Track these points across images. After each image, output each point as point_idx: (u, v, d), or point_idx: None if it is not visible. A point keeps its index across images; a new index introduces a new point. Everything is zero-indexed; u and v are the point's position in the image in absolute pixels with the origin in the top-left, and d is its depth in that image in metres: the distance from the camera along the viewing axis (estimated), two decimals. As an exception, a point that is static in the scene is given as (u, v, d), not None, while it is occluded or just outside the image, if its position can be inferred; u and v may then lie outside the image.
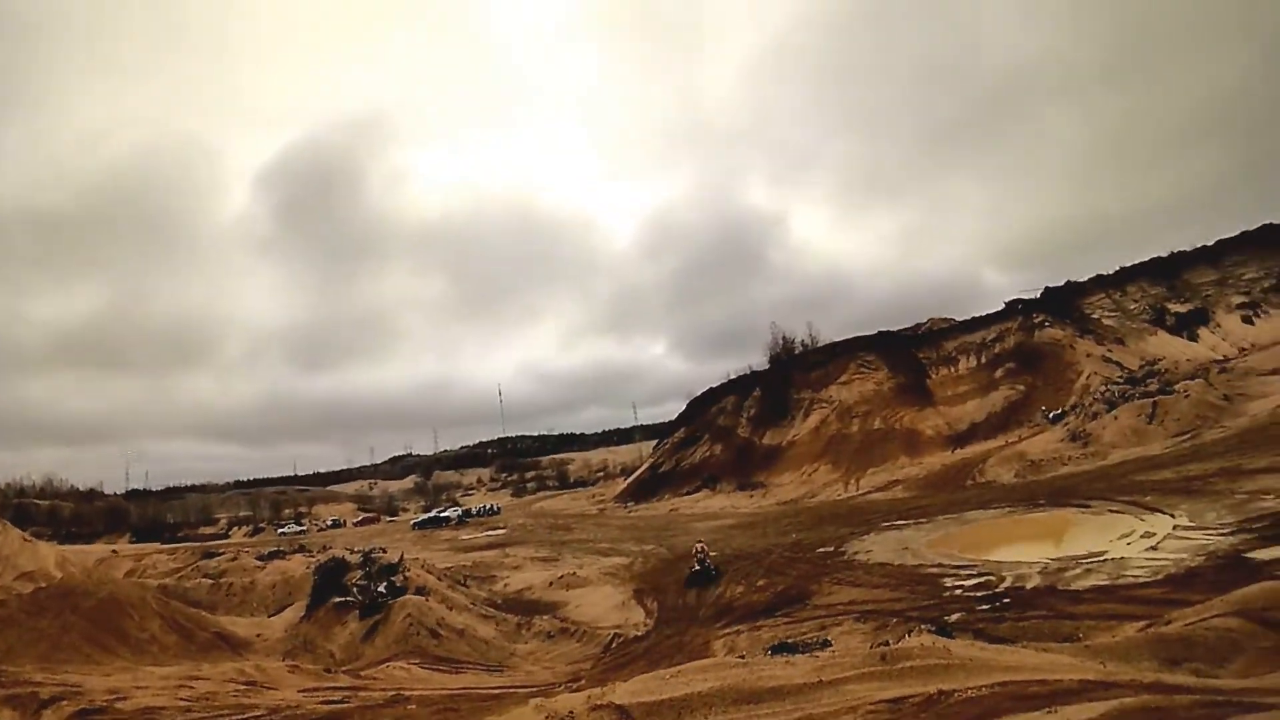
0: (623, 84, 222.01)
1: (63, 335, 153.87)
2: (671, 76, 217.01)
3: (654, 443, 75.91)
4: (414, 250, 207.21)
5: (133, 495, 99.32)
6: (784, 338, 62.04)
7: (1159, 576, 11.74)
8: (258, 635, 19.12)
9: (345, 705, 10.83)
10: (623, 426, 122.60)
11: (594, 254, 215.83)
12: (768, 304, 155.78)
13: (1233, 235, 52.11)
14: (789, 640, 9.31)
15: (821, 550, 20.86)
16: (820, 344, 60.73)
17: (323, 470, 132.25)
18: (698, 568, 20.20)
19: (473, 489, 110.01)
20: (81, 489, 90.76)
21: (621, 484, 69.96)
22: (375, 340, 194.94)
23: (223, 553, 35.08)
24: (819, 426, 52.75)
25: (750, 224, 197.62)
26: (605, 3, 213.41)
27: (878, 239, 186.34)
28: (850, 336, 60.17)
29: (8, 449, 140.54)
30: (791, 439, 53.35)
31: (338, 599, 19.22)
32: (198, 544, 58.21)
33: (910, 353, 56.22)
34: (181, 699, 10.83)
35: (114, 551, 45.27)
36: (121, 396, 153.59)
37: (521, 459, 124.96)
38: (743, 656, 8.82)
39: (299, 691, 11.97)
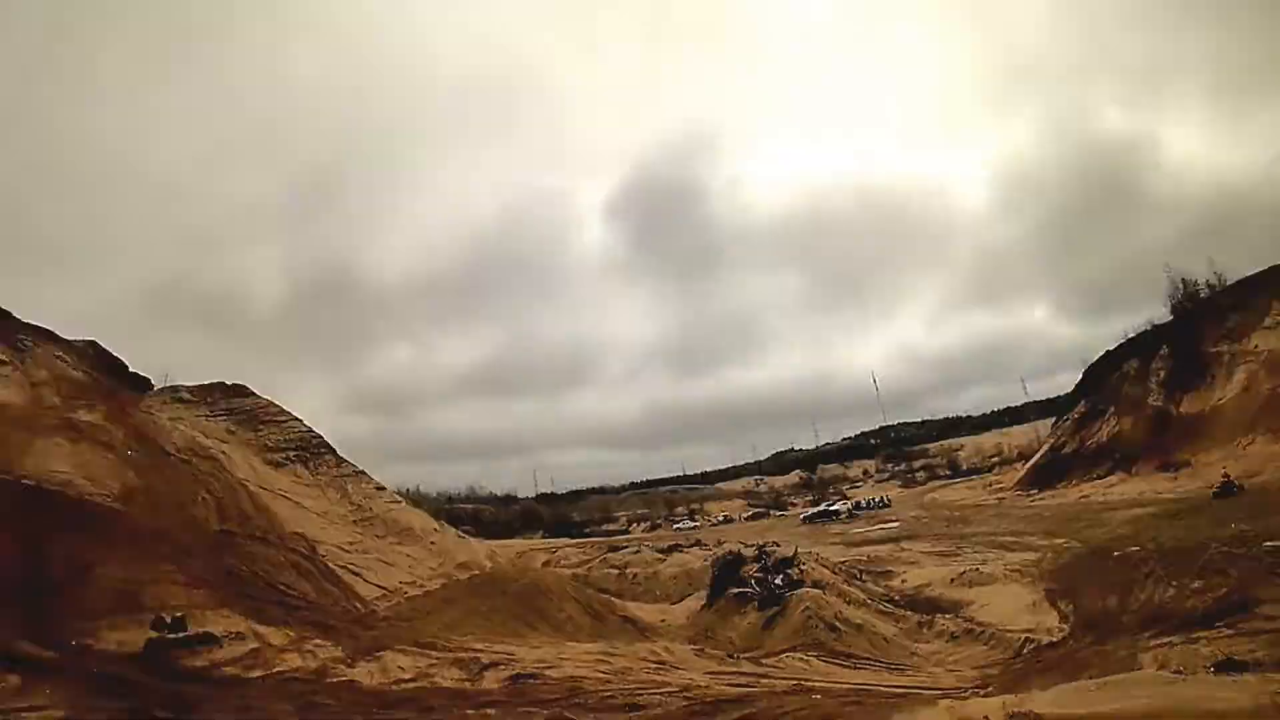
0: (929, 46, 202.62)
1: (466, 372, 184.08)
2: (977, 29, 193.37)
3: (1051, 421, 65.94)
4: (761, 252, 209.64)
5: (542, 498, 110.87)
6: (1183, 281, 49.74)
7: None
8: (662, 620, 20.86)
9: (751, 690, 11.33)
10: (1013, 405, 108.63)
11: (945, 224, 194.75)
12: (1156, 243, 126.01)
13: None
14: (1236, 657, 7.91)
15: (1271, 545, 16.65)
16: (1229, 282, 47.85)
17: (709, 469, 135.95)
18: None
19: (859, 481, 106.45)
20: (498, 494, 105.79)
21: (1019, 470, 62.49)
22: (742, 342, 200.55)
23: (625, 546, 38.06)
24: (1248, 386, 40.88)
25: (1110, 154, 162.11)
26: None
27: (1270, 140, 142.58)
28: (1269, 266, 45.92)
29: (436, 464, 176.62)
30: (1215, 405, 41.33)
31: (735, 590, 20.04)
32: (602, 539, 63.46)
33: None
34: (600, 671, 12.10)
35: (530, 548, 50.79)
36: (522, 416, 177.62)
37: (906, 448, 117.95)
38: (1179, 671, 7.84)
39: (706, 674, 12.85)
